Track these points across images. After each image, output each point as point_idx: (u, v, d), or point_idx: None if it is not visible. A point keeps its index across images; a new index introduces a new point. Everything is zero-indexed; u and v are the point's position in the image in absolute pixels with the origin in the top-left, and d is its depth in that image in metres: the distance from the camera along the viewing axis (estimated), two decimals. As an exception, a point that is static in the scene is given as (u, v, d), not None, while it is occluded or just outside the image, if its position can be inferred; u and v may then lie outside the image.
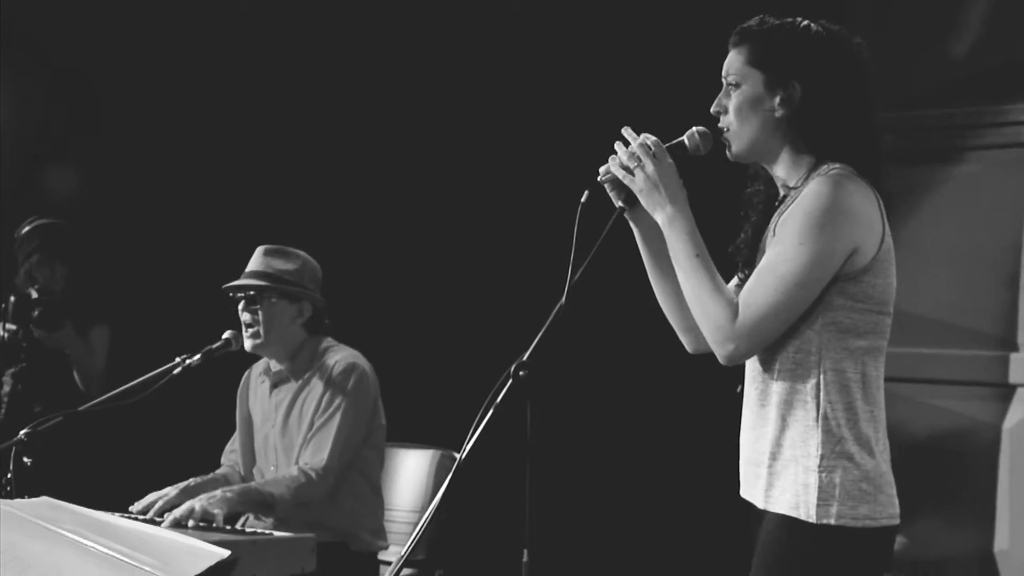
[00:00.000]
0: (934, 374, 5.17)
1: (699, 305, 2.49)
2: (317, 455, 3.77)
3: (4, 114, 5.66)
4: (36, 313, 5.05)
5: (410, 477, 4.25)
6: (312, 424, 3.83)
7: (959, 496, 5.11)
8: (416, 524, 4.07)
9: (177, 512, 3.45)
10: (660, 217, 2.54)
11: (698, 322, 2.51)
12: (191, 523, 3.39)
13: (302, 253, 3.96)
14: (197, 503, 3.46)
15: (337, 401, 3.81)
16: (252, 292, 3.83)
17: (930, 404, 5.14)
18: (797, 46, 2.53)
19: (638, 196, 2.56)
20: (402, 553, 2.56)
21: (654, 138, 2.60)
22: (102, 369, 5.12)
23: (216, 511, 3.46)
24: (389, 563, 3.92)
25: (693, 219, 2.54)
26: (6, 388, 5.00)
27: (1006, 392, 5.03)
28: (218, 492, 3.59)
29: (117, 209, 5.74)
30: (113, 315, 5.23)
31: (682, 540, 5.38)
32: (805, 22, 2.57)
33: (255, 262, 3.92)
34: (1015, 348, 4.99)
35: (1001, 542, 5.00)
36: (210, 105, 5.92)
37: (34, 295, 5.08)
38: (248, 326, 3.84)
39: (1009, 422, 5.02)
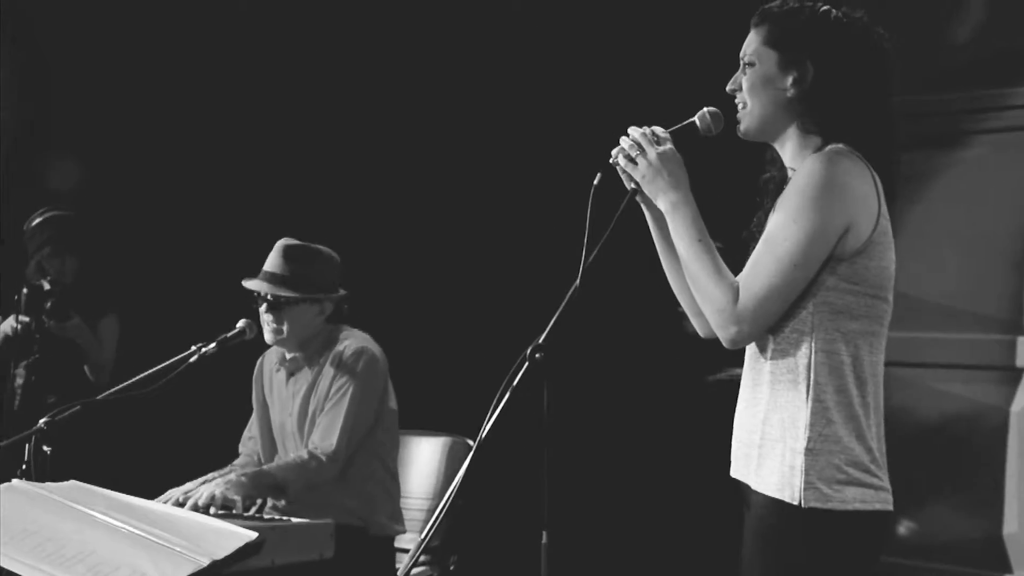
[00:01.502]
0: (941, 358, 5.17)
1: (701, 289, 2.51)
2: (326, 438, 3.80)
3: (7, 105, 5.68)
4: (48, 304, 5.07)
5: (423, 464, 4.27)
6: (323, 406, 3.87)
7: (967, 480, 5.11)
8: (429, 511, 4.12)
9: (200, 499, 3.48)
10: (663, 204, 2.57)
11: (701, 306, 2.52)
12: (212, 510, 3.42)
13: (321, 249, 3.96)
14: (217, 489, 3.49)
15: (346, 385, 3.84)
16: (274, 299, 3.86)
17: (937, 388, 5.14)
18: (813, 28, 2.56)
19: (640, 184, 2.59)
20: (420, 540, 2.57)
21: (659, 128, 2.62)
22: (111, 359, 5.15)
23: (234, 496, 3.49)
24: (404, 550, 3.94)
25: (695, 205, 2.57)
26: (19, 380, 5.02)
27: (1014, 376, 5.02)
28: (232, 476, 3.62)
29: (125, 200, 5.76)
30: (122, 306, 5.26)
31: (698, 522, 5.39)
32: (825, 7, 2.59)
33: (275, 263, 3.91)
34: (1022, 332, 4.99)
35: (1010, 525, 5.00)
36: (218, 95, 5.94)
37: (46, 286, 5.10)
38: (268, 323, 3.87)
39: (1017, 406, 5.02)
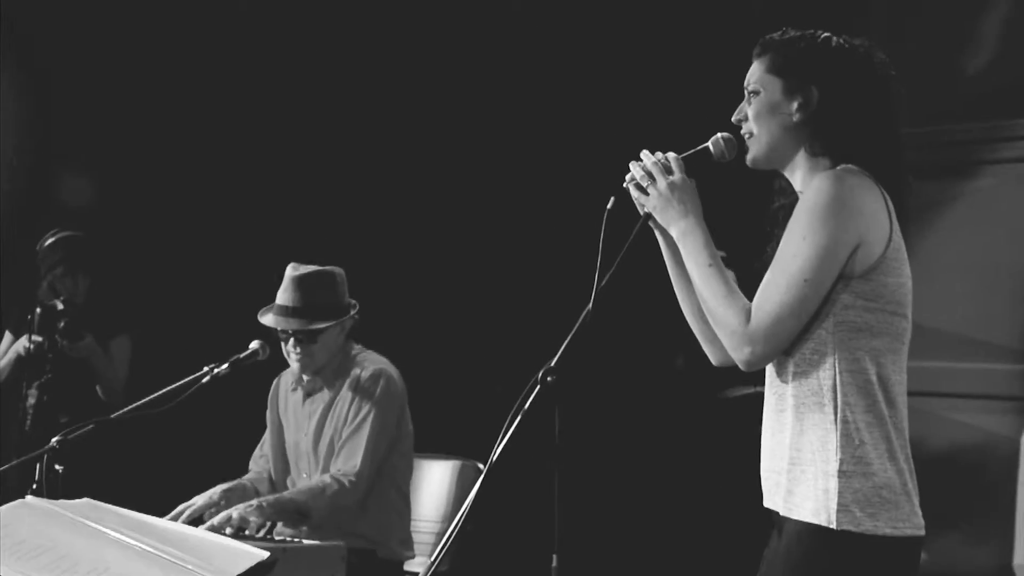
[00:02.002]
0: (952, 388, 5.17)
1: (713, 312, 2.51)
2: (349, 461, 3.80)
3: (16, 123, 5.70)
4: (61, 324, 5.09)
5: (433, 487, 4.27)
6: (342, 432, 3.86)
7: (978, 510, 5.10)
8: (439, 534, 4.12)
9: (215, 519, 3.48)
10: (674, 232, 2.59)
11: (715, 330, 2.52)
12: (228, 531, 3.42)
13: (331, 270, 3.96)
14: (235, 511, 3.49)
15: (366, 408, 3.84)
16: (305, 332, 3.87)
17: (948, 418, 5.13)
18: (816, 53, 2.57)
19: (652, 214, 2.60)
20: (429, 565, 2.57)
21: (672, 154, 2.64)
22: (123, 379, 5.16)
23: (253, 519, 3.49)
24: (414, 573, 3.94)
25: (707, 231, 2.57)
26: (31, 400, 5.03)
27: (1024, 405, 5.03)
28: (254, 501, 3.62)
29: (137, 220, 5.78)
30: (134, 326, 5.27)
31: (709, 545, 5.38)
32: (826, 34, 2.61)
33: (292, 296, 3.87)
34: (1033, 361, 5.00)
35: (1020, 556, 4.99)
36: (229, 113, 5.96)
37: (59, 306, 5.13)
38: (296, 354, 3.87)
39: (1027, 435, 5.03)
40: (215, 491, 3.78)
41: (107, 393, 5.13)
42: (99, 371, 5.12)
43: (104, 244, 5.33)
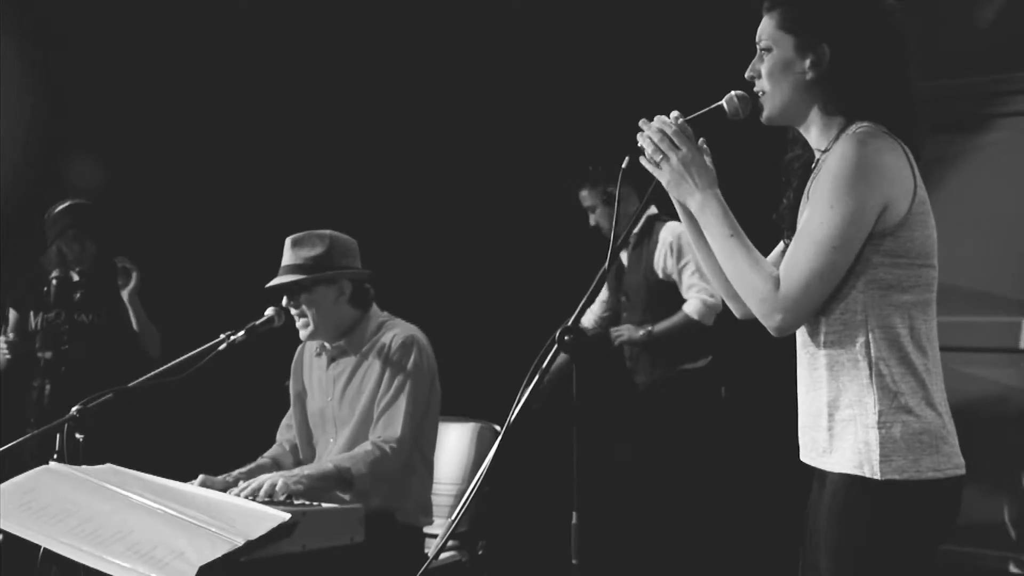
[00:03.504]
0: (965, 342, 5.18)
1: (741, 282, 2.51)
2: (389, 428, 3.80)
3: (22, 108, 5.71)
4: (78, 296, 5.11)
5: (451, 450, 4.27)
6: (374, 400, 3.86)
7: (993, 462, 5.12)
8: (457, 496, 4.13)
9: (263, 487, 3.46)
10: (692, 205, 2.59)
11: (744, 299, 2.53)
12: (259, 497, 3.41)
13: (328, 232, 3.95)
14: (280, 479, 3.49)
15: (401, 376, 3.84)
16: (290, 288, 3.88)
17: (964, 372, 5.14)
18: (826, 9, 2.56)
19: (667, 188, 2.61)
20: (448, 526, 2.58)
21: (676, 115, 2.63)
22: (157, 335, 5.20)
23: (299, 488, 3.49)
24: (433, 535, 3.95)
25: (723, 200, 2.57)
26: (44, 391, 5.06)
27: (1038, 358, 5.04)
28: (296, 471, 3.62)
29: (146, 197, 5.79)
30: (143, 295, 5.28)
31: (730, 501, 5.40)
32: None
33: (285, 256, 3.93)
34: (1046, 314, 5.00)
35: (1036, 508, 5.02)
36: (240, 92, 5.97)
37: (75, 278, 5.14)
38: (297, 318, 3.89)
39: (1041, 388, 5.04)
40: (231, 475, 3.78)
41: (151, 346, 5.15)
42: (140, 325, 5.14)
43: (115, 218, 5.34)
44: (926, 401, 2.46)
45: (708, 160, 2.63)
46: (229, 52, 5.95)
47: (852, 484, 2.46)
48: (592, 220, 5.44)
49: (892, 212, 2.45)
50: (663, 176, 2.60)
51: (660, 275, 5.33)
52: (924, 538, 2.46)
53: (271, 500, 3.40)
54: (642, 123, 2.63)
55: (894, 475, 2.42)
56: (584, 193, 5.47)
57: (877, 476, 2.43)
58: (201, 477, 3.65)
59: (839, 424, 2.50)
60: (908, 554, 2.45)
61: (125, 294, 5.14)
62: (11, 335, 5.14)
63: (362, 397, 3.89)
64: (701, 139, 2.65)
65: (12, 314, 5.20)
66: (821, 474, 2.55)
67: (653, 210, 5.28)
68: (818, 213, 2.44)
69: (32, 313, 5.15)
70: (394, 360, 3.87)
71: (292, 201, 5.73)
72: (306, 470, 3.64)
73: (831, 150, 2.50)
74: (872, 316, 2.47)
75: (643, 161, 2.63)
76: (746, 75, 2.65)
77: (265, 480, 3.50)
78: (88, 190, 5.44)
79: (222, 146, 5.97)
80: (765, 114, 2.62)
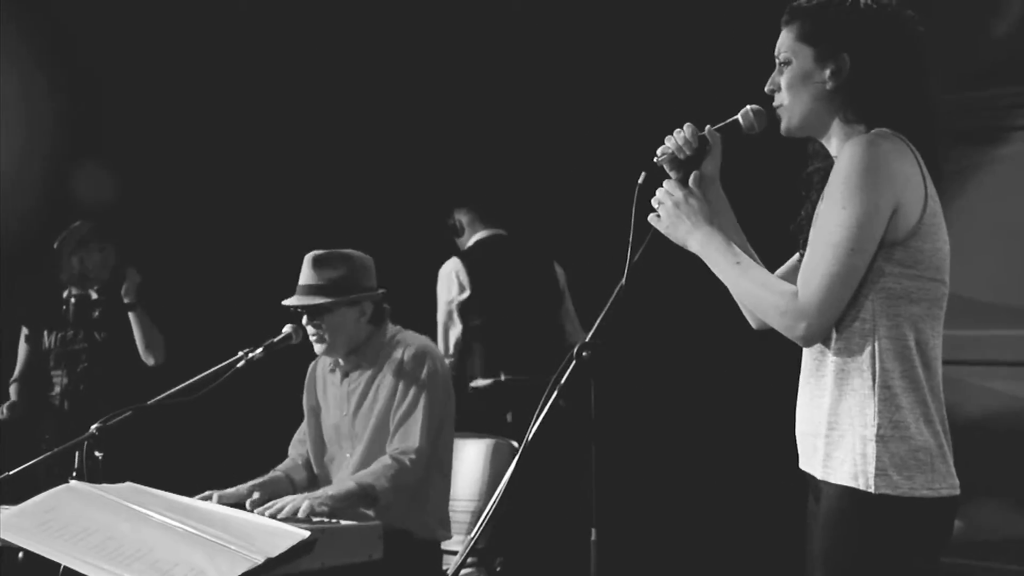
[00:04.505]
0: (983, 355, 5.17)
1: (759, 305, 2.52)
2: (407, 440, 3.79)
3: (31, 118, 5.73)
4: (96, 314, 5.13)
5: (468, 466, 4.27)
6: (389, 412, 3.86)
7: (1012, 477, 5.10)
8: (474, 513, 4.12)
9: (286, 508, 3.46)
10: (693, 246, 2.61)
11: (765, 319, 2.53)
12: (281, 516, 3.40)
13: (349, 252, 3.95)
14: (304, 501, 3.49)
15: (416, 387, 3.84)
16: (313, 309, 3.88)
17: (980, 385, 5.13)
18: (845, 19, 2.56)
19: (667, 236, 2.64)
20: (467, 543, 2.58)
21: (690, 127, 2.65)
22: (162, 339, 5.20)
23: (324, 509, 3.49)
24: (452, 552, 3.95)
25: (722, 233, 2.60)
26: (57, 389, 5.08)
27: (1057, 372, 5.02)
28: (319, 493, 3.61)
29: (156, 206, 5.81)
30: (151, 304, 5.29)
31: (748, 516, 5.39)
32: None
33: (306, 275, 3.92)
34: (1064, 328, 4.98)
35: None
36: (249, 104, 5.99)
37: (93, 296, 5.16)
38: (314, 335, 3.89)
39: (1060, 402, 5.01)
40: (244, 487, 3.78)
41: (155, 354, 5.15)
42: (145, 333, 5.15)
43: (129, 227, 5.37)
44: (925, 418, 2.45)
45: (698, 198, 2.63)
46: (248, 67, 5.97)
47: (846, 496, 2.46)
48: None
49: (903, 218, 2.44)
50: (660, 225, 2.65)
51: None
52: (914, 555, 2.45)
53: (293, 519, 3.40)
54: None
55: (888, 490, 2.42)
56: None
57: (871, 490, 2.42)
58: (215, 496, 3.65)
59: (838, 433, 2.49)
60: (898, 570, 2.44)
61: (126, 297, 5.13)
62: (6, 412, 5.12)
63: (374, 413, 3.90)
64: (694, 173, 2.67)
65: (24, 332, 5.22)
66: (816, 485, 2.55)
67: None
68: (832, 216, 2.44)
69: (46, 332, 5.16)
70: (408, 371, 3.87)
71: (302, 212, 5.75)
72: (330, 491, 3.63)
73: (841, 152, 2.50)
74: (881, 325, 2.46)
75: (654, 202, 2.67)
76: (766, 88, 2.66)
77: (288, 502, 3.50)
78: (101, 203, 5.47)
79: (234, 159, 5.98)
80: (785, 126, 2.63)
